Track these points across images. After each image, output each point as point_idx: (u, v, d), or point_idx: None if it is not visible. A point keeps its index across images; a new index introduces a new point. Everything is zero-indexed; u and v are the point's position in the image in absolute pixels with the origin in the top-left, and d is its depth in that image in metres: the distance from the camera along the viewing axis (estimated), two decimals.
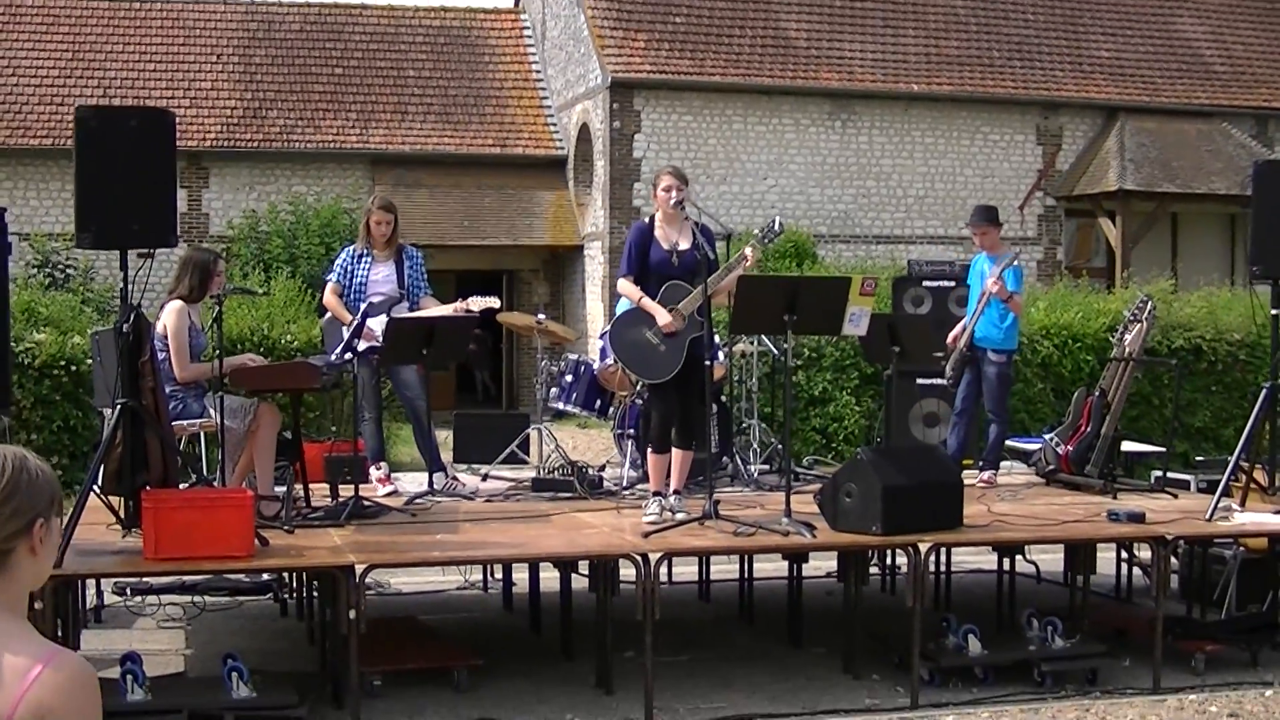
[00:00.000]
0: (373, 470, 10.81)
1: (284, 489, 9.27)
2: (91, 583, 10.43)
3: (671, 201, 9.46)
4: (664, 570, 11.44)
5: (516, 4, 33.63)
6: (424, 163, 29.32)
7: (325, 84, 30.10)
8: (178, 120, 27.68)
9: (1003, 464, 12.33)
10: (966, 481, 11.34)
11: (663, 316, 9.31)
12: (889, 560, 11.54)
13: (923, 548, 8.71)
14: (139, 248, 8.23)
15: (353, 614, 7.74)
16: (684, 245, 9.47)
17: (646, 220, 9.71)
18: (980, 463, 11.80)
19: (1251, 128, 30.39)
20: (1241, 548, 10.41)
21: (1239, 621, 10.18)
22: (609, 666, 8.76)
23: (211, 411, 9.43)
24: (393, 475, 11.04)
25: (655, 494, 9.56)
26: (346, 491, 9.89)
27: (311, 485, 10.09)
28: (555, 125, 30.46)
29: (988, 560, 11.32)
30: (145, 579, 10.64)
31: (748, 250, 9.47)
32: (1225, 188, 27.93)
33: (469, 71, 31.24)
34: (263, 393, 9.50)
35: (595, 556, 8.74)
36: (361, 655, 7.95)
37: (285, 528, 8.74)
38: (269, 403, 9.66)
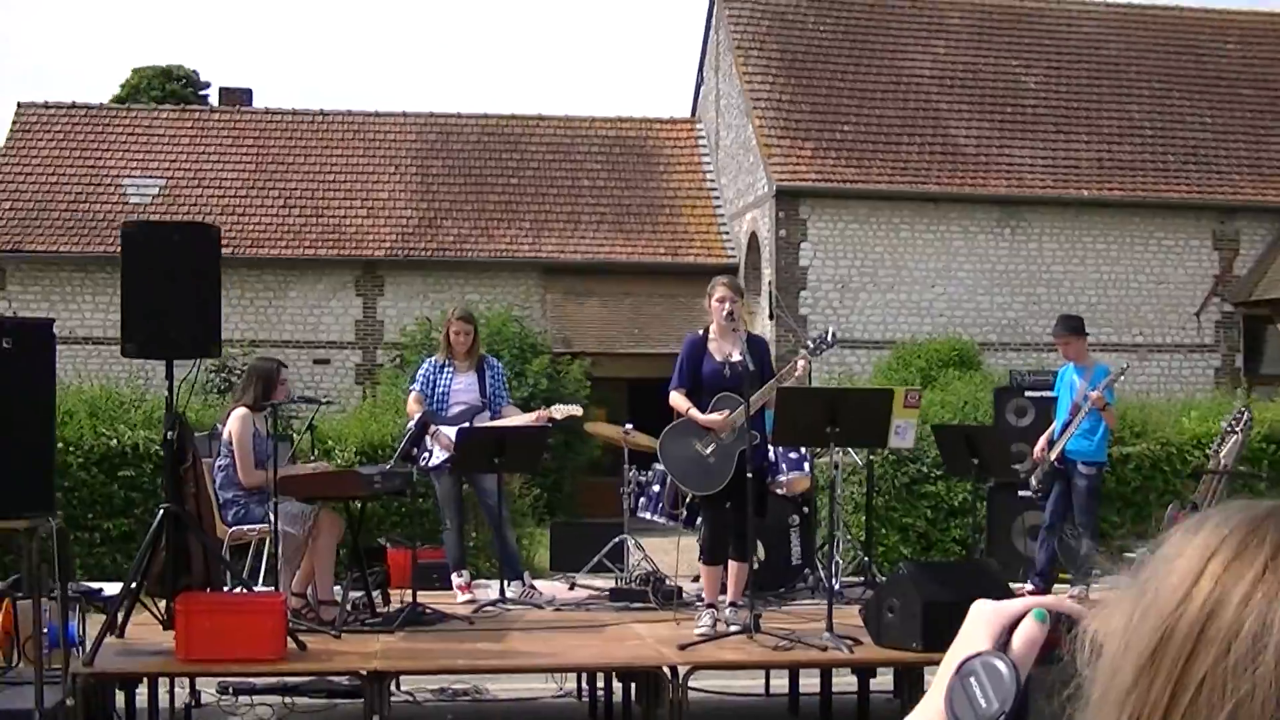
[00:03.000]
0: (454, 577, 10.97)
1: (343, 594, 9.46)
2: (184, 680, 10.67)
3: (724, 313, 9.45)
4: (760, 684, 11.51)
5: (693, 113, 34.01)
6: (595, 271, 29.63)
7: (500, 193, 30.69)
8: (355, 230, 28.06)
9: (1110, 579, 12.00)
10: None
11: (713, 421, 9.28)
12: None
13: None
14: (181, 358, 8.51)
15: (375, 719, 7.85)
16: (736, 357, 9.41)
17: (700, 332, 9.71)
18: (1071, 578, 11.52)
19: None
20: None
21: None
22: None
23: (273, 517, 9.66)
24: (474, 583, 11.18)
25: (708, 606, 9.50)
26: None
27: (394, 590, 10.34)
28: (727, 233, 30.63)
29: None
30: (249, 679, 10.85)
31: (799, 361, 9.43)
32: None
33: (643, 180, 31.62)
34: (318, 499, 9.68)
35: (621, 668, 8.73)
36: None
37: (333, 632, 8.89)
38: (329, 510, 9.85)
